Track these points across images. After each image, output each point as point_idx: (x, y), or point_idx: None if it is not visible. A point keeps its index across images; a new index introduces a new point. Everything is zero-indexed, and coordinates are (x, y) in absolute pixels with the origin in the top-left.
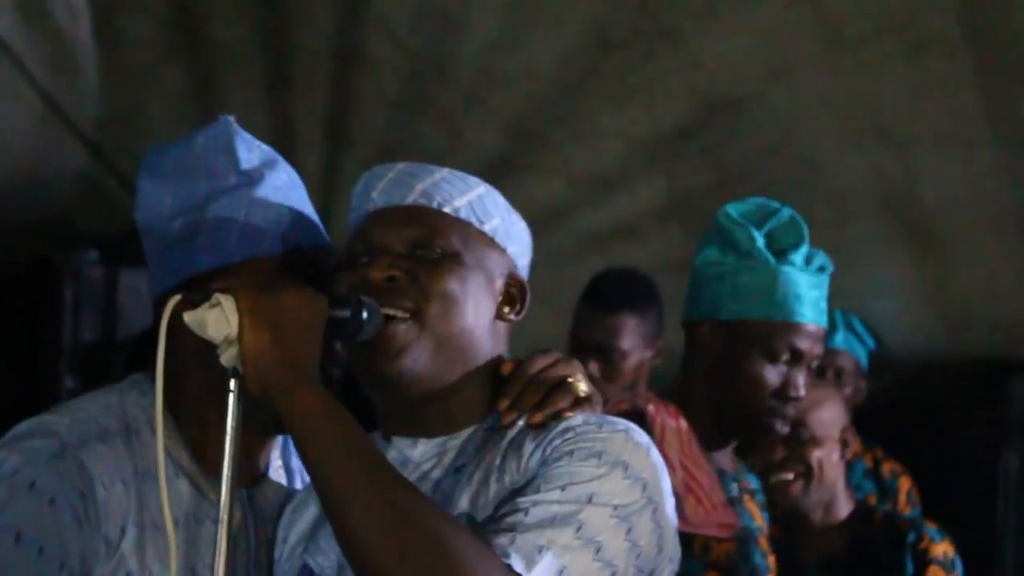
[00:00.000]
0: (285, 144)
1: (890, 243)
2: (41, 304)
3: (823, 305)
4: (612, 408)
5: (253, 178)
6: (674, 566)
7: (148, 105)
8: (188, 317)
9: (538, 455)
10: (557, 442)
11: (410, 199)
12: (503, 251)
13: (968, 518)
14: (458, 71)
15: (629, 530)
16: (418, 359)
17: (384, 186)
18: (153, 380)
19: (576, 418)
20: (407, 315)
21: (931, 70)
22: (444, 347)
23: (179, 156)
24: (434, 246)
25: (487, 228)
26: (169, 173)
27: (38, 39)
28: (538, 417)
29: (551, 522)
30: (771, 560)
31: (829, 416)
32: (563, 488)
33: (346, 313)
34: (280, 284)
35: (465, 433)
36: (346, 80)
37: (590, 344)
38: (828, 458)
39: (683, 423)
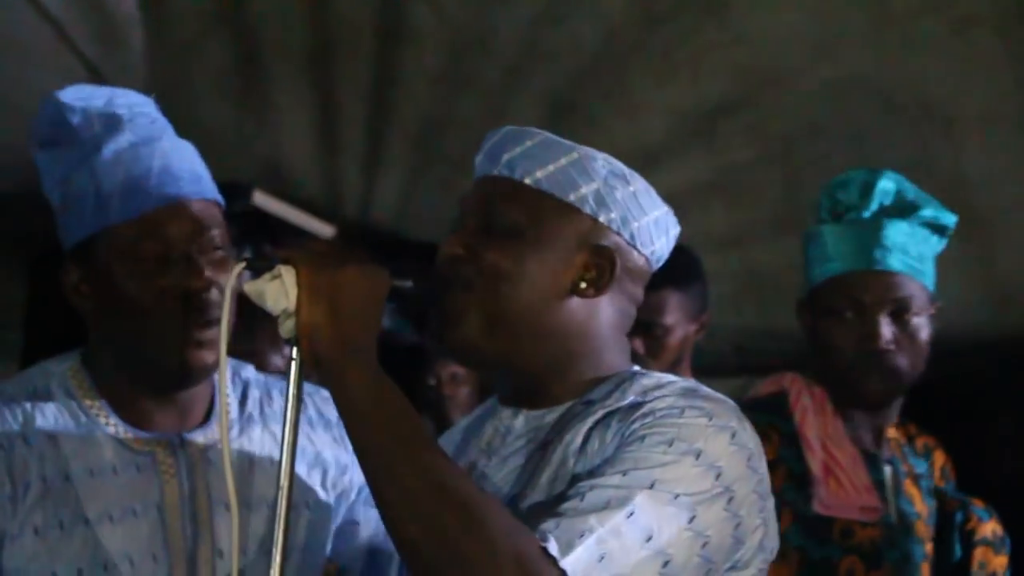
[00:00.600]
0: (327, 117)
1: None
2: None
3: (889, 248)
4: (762, 389)
5: (96, 146)
6: (766, 555)
7: (192, 78)
8: (248, 287)
9: (617, 438)
10: (636, 425)
11: (496, 170)
12: (594, 220)
13: (1008, 495)
14: (501, 45)
15: (692, 519)
16: (472, 328)
17: (485, 152)
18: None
19: (664, 399)
20: (464, 292)
21: (978, 46)
22: (500, 321)
23: (41, 129)
24: (498, 222)
25: (572, 198)
26: (38, 147)
27: (85, 12)
28: None
29: (604, 506)
30: (929, 548)
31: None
32: (624, 473)
33: (407, 283)
34: (341, 258)
35: (561, 408)
36: (389, 54)
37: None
38: None
39: (826, 404)
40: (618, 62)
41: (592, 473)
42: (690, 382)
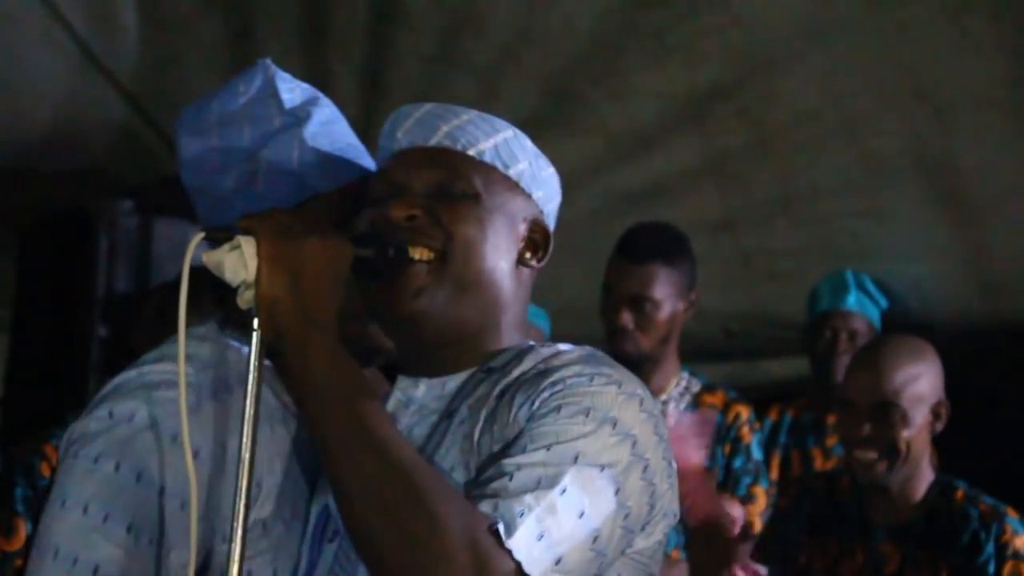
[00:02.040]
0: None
1: (927, 206)
2: (76, 253)
3: None
4: None
5: (299, 117)
6: (669, 520)
7: (185, 56)
8: (206, 257)
9: (526, 408)
10: (546, 395)
11: (434, 140)
12: (528, 196)
13: (1004, 484)
14: (495, 27)
15: (617, 491)
16: (435, 300)
17: (410, 126)
18: (217, 320)
19: (569, 367)
20: (430, 256)
21: (970, 33)
22: (463, 289)
23: (220, 107)
24: (455, 188)
25: (512, 172)
26: (211, 126)
27: None
28: None
29: (535, 485)
30: None
31: (924, 389)
32: (548, 448)
33: (368, 252)
34: (304, 230)
35: (463, 375)
36: (383, 33)
37: (623, 295)
38: (916, 436)
39: None
40: (611, 45)
41: (511, 447)
42: (587, 348)
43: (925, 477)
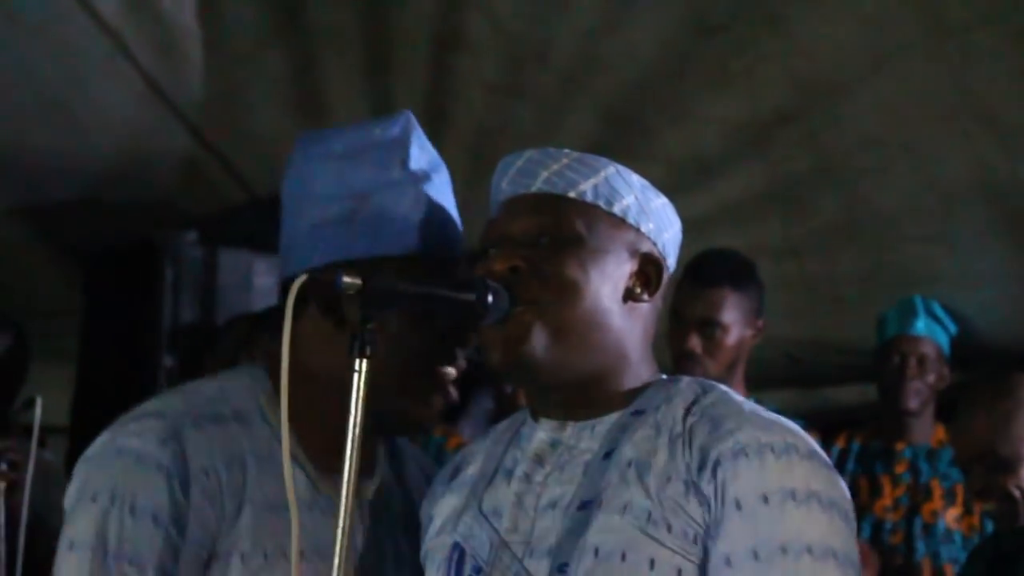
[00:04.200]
0: None
1: (991, 231)
2: (142, 284)
3: None
4: None
5: (418, 177)
6: None
7: (249, 89)
8: None
9: (708, 475)
10: (728, 466)
11: (535, 187)
12: (637, 230)
13: None
14: (557, 55)
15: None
16: (537, 347)
17: (512, 175)
18: (267, 367)
19: (745, 423)
20: (530, 305)
21: None
22: (565, 333)
23: (350, 141)
24: (557, 233)
25: (616, 209)
26: (335, 155)
27: (143, 22)
28: None
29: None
30: None
31: (1020, 428)
32: (784, 551)
33: (471, 296)
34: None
35: (611, 418)
36: (445, 63)
37: (691, 319)
38: None
39: None
40: (673, 73)
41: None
42: (727, 391)
43: None
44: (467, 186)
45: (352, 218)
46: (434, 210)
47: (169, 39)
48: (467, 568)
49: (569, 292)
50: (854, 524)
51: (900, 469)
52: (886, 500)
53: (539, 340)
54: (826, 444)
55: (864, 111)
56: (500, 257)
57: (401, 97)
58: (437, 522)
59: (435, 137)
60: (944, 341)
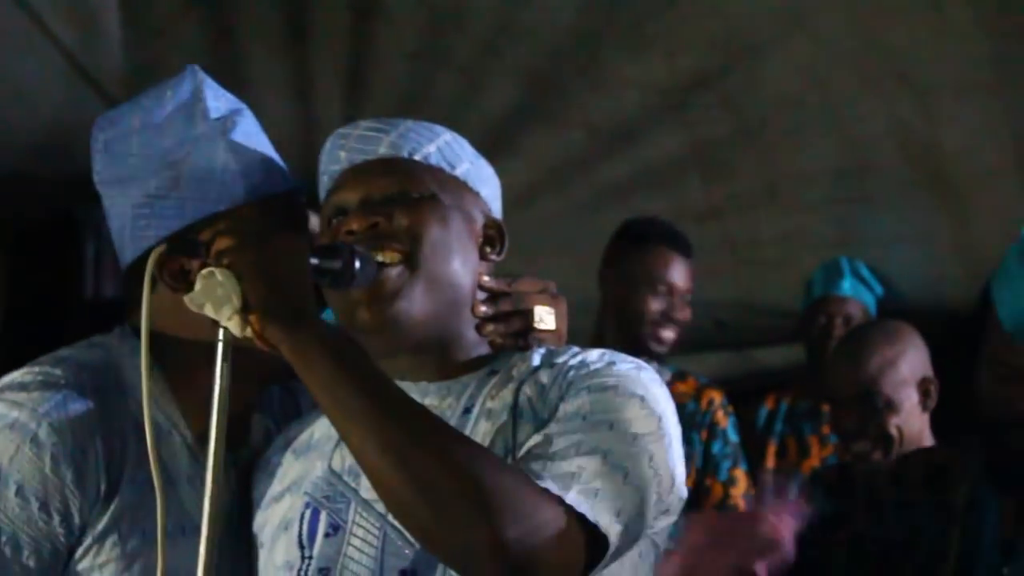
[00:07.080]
0: (303, 96)
1: (910, 191)
2: (63, 258)
3: None
4: None
5: (225, 126)
6: (673, 517)
7: (168, 59)
8: (188, 301)
9: (556, 390)
10: (572, 375)
11: (380, 152)
12: (476, 193)
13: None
14: (476, 22)
15: (651, 458)
16: (413, 301)
17: (351, 144)
18: (138, 335)
19: (591, 353)
20: (399, 258)
21: (952, 17)
22: (436, 288)
23: (146, 112)
24: (411, 192)
25: (458, 172)
26: (136, 130)
27: None
28: (507, 343)
29: (577, 451)
30: None
31: (904, 371)
32: (584, 418)
33: (337, 264)
34: (262, 234)
35: (468, 376)
36: (364, 31)
37: (647, 280)
38: (907, 419)
39: None
40: (592, 37)
41: (547, 424)
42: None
43: None
44: None
45: (175, 185)
46: (251, 153)
47: (87, 13)
48: (322, 526)
49: (437, 245)
50: (670, 440)
51: (827, 430)
52: (814, 460)
53: (412, 295)
54: (754, 406)
55: (782, 72)
56: (358, 216)
57: (320, 65)
58: (276, 488)
59: (356, 105)
60: (870, 301)
